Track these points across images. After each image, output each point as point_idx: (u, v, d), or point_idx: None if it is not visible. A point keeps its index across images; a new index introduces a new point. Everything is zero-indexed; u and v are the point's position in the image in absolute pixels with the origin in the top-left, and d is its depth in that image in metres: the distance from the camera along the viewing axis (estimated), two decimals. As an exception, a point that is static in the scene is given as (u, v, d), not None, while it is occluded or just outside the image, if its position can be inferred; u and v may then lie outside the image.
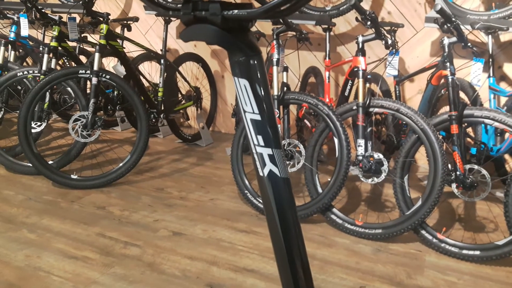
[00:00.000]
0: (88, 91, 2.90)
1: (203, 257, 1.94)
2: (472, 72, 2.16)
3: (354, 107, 2.16)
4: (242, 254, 1.96)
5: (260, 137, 0.40)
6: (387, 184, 2.74)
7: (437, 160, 2.00)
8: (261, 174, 0.41)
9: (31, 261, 1.86)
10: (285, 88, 2.30)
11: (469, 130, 2.65)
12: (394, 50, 2.28)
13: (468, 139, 2.64)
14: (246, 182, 2.42)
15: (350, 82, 2.44)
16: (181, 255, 1.94)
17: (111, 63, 3.83)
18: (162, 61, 3.15)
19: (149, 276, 1.78)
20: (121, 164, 2.61)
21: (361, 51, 2.17)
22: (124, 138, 3.58)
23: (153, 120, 3.08)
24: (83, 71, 2.52)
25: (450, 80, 2.02)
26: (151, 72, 3.63)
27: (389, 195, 2.61)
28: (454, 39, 2.06)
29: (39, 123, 2.68)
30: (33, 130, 2.62)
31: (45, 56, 2.68)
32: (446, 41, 2.08)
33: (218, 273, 1.82)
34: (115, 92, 3.23)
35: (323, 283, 1.78)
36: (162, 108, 3.13)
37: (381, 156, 2.14)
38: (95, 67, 2.51)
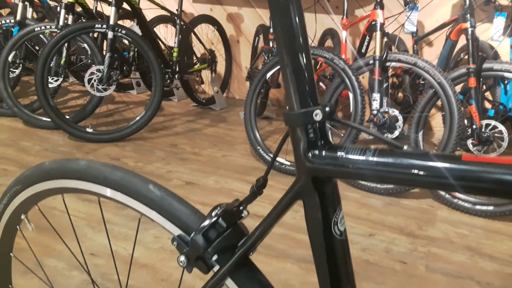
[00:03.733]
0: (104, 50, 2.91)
1: (215, 203, 1.93)
2: (493, 27, 2.11)
3: (371, 61, 2.13)
4: (253, 203, 1.97)
5: None
6: (401, 147, 2.72)
7: (453, 113, 1.97)
8: None
9: (46, 201, 1.90)
10: (300, 42, 2.27)
11: (487, 94, 2.59)
12: (413, 5, 2.23)
13: (486, 103, 2.59)
14: (259, 138, 2.43)
15: (367, 38, 2.40)
16: (194, 201, 1.97)
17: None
18: (177, 21, 3.14)
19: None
20: (137, 118, 2.64)
21: (379, 4, 2.13)
22: (140, 100, 3.61)
23: (168, 80, 3.09)
24: (99, 26, 2.53)
25: (470, 32, 1.97)
26: (166, 37, 3.63)
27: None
28: (475, -10, 2.01)
29: (55, 78, 2.72)
30: (50, 85, 2.65)
31: (62, 11, 2.69)
32: (467, -8, 2.02)
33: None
34: (131, 53, 3.25)
35: (333, 231, 1.79)
36: (177, 68, 3.13)
37: (396, 112, 2.12)
38: (111, 21, 2.51)
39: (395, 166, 0.36)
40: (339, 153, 0.38)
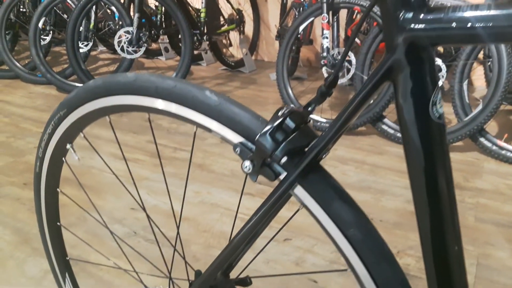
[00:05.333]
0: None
1: (251, 160, 1.92)
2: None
3: (411, 7, 2.00)
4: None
5: None
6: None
7: (502, 59, 1.84)
8: None
9: (84, 161, 1.92)
10: (334, -8, 2.16)
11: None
12: None
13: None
14: (292, 95, 2.37)
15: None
16: (229, 159, 1.94)
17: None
18: (204, -20, 3.05)
19: (199, 174, 1.79)
20: (166, 80, 2.61)
21: None
22: (169, 66, 3.58)
23: (197, 42, 3.03)
24: (126, -15, 2.48)
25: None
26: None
27: (445, 112, 2.48)
28: None
29: (85, 43, 2.71)
30: (80, 50, 2.65)
31: (89, -26, 2.65)
32: None
33: (266, 173, 1.80)
34: (158, 16, 3.20)
35: (374, 184, 1.73)
36: (205, 30, 3.07)
37: (439, 61, 2.00)
38: (138, -19, 2.46)
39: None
40: (442, 14, 0.32)
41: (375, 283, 0.42)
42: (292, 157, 0.43)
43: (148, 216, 0.72)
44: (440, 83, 2.00)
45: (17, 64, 3.01)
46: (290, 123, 0.42)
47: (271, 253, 1.33)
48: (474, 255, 1.32)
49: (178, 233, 0.70)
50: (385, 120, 2.14)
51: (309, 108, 0.44)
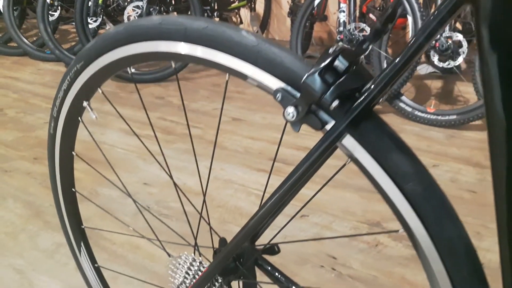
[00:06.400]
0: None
1: (264, 138, 1.88)
2: None
3: (432, -20, 1.92)
4: (303, 137, 1.88)
5: None
6: (459, 82, 2.53)
7: (529, 33, 1.76)
8: None
9: (95, 137, 1.87)
10: (352, -37, 2.08)
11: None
12: None
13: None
14: (307, 72, 2.30)
15: (427, -45, 2.17)
16: (242, 136, 1.90)
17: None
18: (215, -46, 2.97)
19: (211, 151, 1.75)
20: (177, 57, 2.56)
21: None
22: (178, 44, 3.52)
23: (207, 19, 2.96)
24: (136, -42, 2.41)
25: None
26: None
27: (462, 91, 2.40)
28: None
29: (94, 18, 2.65)
30: (90, 26, 2.59)
31: None
32: None
33: (279, 150, 1.76)
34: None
35: (392, 162, 1.68)
36: (216, 6, 2.99)
37: (460, 36, 1.92)
38: (148, -47, 2.39)
39: None
40: None
41: (434, 244, 0.37)
42: (342, 102, 0.38)
43: (175, 184, 0.68)
44: (460, 59, 1.93)
45: (25, 40, 2.97)
46: (342, 62, 0.37)
47: (288, 229, 1.28)
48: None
49: (204, 200, 0.66)
50: (403, 97, 2.07)
51: (363, 46, 0.39)
